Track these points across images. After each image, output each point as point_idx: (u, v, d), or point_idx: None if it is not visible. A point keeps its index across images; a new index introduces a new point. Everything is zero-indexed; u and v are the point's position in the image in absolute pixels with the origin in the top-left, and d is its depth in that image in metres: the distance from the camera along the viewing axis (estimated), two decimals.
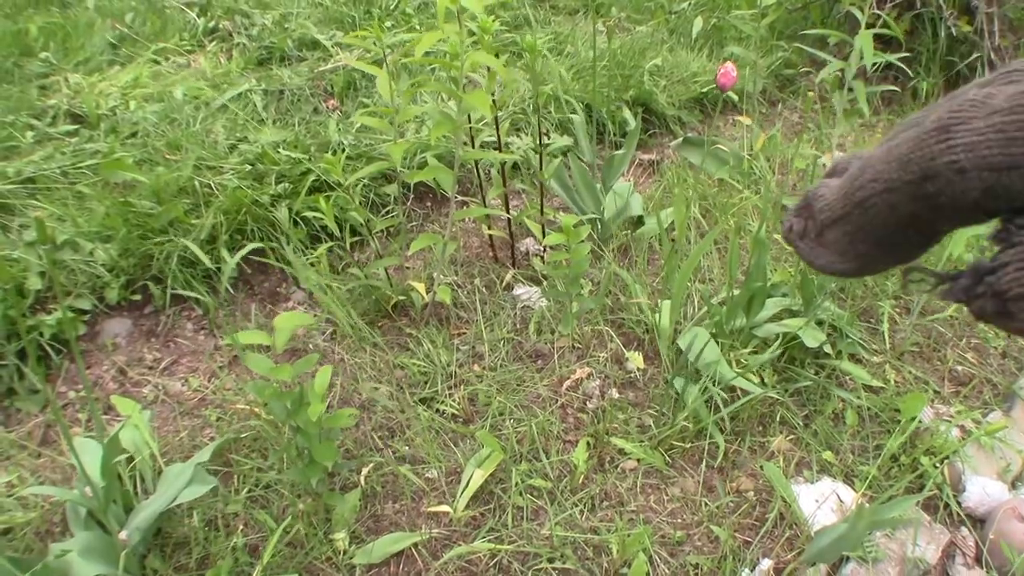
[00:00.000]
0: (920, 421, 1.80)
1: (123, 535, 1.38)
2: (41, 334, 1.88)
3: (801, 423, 1.81)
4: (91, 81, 2.89)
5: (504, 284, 2.18)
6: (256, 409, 1.74)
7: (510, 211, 2.17)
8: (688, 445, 1.74)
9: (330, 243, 2.10)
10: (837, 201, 0.35)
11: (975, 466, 1.73)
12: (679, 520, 1.61)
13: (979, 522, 1.65)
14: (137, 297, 2.07)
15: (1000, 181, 0.26)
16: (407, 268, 2.22)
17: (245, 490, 1.61)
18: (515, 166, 2.59)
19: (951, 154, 0.28)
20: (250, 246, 2.09)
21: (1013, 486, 1.72)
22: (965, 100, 0.29)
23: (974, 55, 3.24)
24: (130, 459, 1.60)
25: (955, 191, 0.28)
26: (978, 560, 1.58)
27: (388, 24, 3.33)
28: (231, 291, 2.10)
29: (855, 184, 0.34)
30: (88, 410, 1.81)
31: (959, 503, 1.67)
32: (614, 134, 2.84)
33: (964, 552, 1.59)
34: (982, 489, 1.67)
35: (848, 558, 1.52)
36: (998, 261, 0.27)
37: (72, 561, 1.28)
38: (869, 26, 2.40)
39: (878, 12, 2.77)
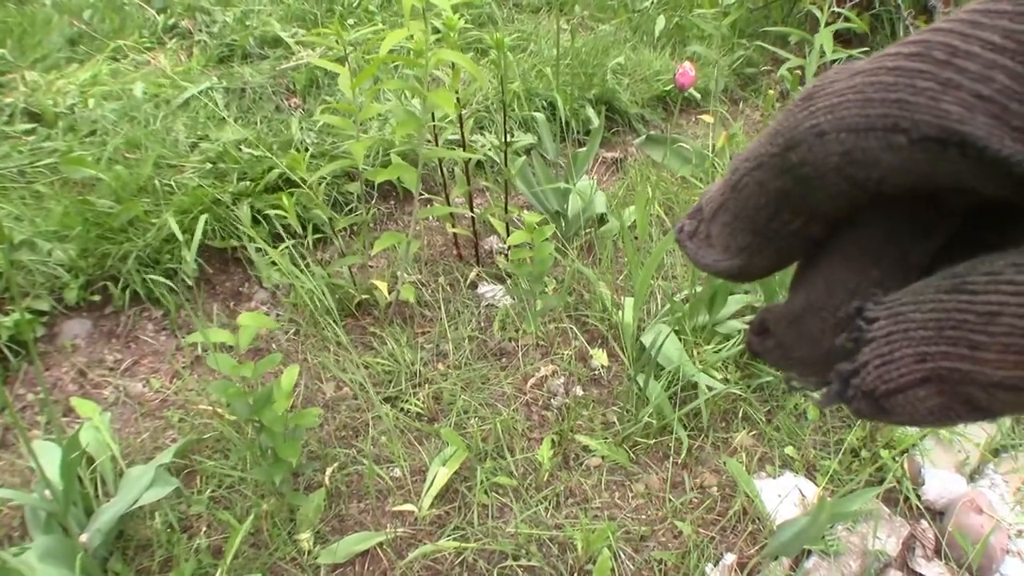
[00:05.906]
0: None
1: (84, 538, 1.36)
2: None
3: (763, 419, 1.83)
4: (48, 79, 2.85)
5: (468, 282, 2.18)
6: (219, 410, 1.72)
7: (474, 209, 2.17)
8: (652, 441, 1.75)
9: (292, 241, 2.08)
10: (718, 191, 0.34)
11: (934, 459, 1.75)
12: (643, 516, 1.62)
13: (939, 515, 1.68)
14: (97, 298, 2.04)
15: (858, 144, 0.25)
16: (371, 267, 2.22)
17: (208, 491, 1.59)
18: (479, 164, 2.59)
19: (813, 118, 0.26)
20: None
21: (971, 479, 1.75)
22: (832, 69, 0.27)
23: None
24: (91, 461, 1.58)
25: (816, 157, 0.27)
26: (938, 552, 1.61)
27: (350, 22, 3.31)
28: (193, 291, 2.08)
29: (732, 167, 0.32)
30: (46, 412, 1.79)
31: (919, 496, 1.70)
32: (578, 132, 2.85)
33: (924, 544, 1.61)
34: (941, 482, 1.69)
35: (810, 552, 1.54)
36: (858, 362, 0.26)
37: (32, 565, 1.26)
38: (828, 25, 2.43)
39: (837, 11, 2.80)
